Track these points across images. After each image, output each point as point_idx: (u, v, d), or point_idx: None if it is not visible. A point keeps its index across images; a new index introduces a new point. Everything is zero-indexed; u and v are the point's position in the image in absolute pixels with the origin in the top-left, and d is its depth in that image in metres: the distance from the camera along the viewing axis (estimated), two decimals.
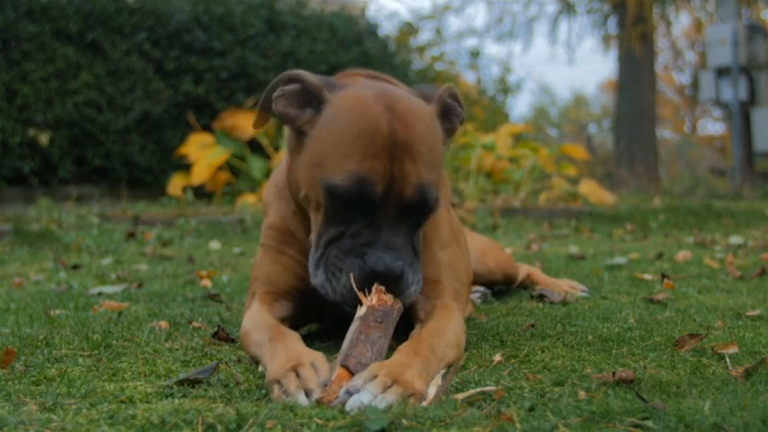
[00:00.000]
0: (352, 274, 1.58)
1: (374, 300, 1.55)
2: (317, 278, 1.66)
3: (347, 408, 1.28)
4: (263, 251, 1.98)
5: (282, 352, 1.52)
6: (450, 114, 1.82)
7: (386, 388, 1.32)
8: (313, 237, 1.70)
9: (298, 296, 1.90)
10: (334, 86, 1.71)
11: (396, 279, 1.58)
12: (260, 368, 1.63)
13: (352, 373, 1.39)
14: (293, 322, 1.88)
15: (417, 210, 1.65)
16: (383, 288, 1.57)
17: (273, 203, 1.99)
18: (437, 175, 1.68)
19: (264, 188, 2.11)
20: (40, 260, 4.38)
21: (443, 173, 1.84)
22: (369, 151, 1.59)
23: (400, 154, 1.61)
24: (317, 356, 1.49)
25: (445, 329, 1.65)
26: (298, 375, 1.41)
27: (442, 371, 1.51)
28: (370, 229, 1.61)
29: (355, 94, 1.69)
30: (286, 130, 1.88)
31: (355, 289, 1.57)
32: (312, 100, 1.70)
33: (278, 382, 1.41)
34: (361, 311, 1.53)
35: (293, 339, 1.62)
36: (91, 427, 1.24)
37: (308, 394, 1.36)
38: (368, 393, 1.30)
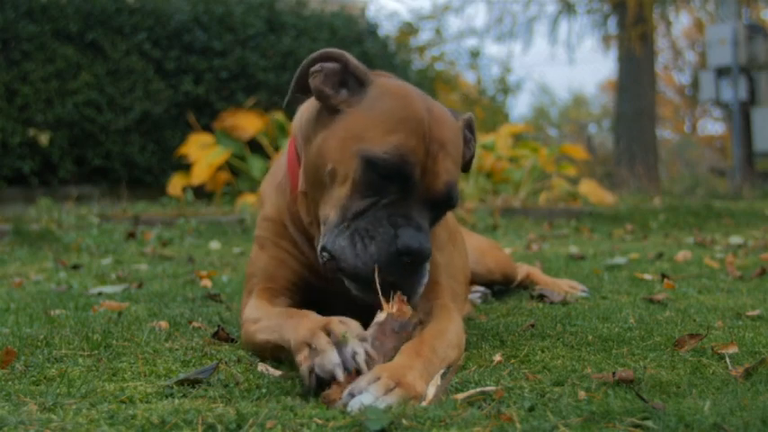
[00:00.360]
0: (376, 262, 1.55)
1: (394, 308, 1.52)
2: (335, 244, 1.60)
3: (348, 409, 1.29)
4: (259, 245, 1.98)
5: (307, 322, 1.51)
6: (466, 142, 1.86)
7: (388, 390, 1.32)
8: (333, 212, 1.64)
9: (295, 291, 1.90)
10: (376, 74, 1.75)
11: (423, 260, 1.58)
12: (260, 367, 1.63)
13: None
14: None
15: (442, 204, 1.67)
16: (405, 298, 1.54)
17: (270, 196, 1.99)
18: (458, 179, 1.72)
19: (263, 182, 2.10)
20: (40, 260, 4.38)
21: None
22: (412, 134, 1.62)
23: (436, 149, 1.64)
24: (348, 319, 1.48)
25: (446, 330, 1.65)
26: (329, 333, 1.41)
27: (442, 371, 1.51)
28: (402, 206, 1.61)
29: (400, 84, 1.74)
30: (305, 109, 1.86)
31: (377, 282, 1.52)
32: (350, 81, 1.71)
33: (306, 343, 1.41)
34: (380, 317, 1.51)
35: (314, 314, 1.61)
36: (91, 427, 1.24)
37: (341, 346, 1.36)
38: (369, 395, 1.31)
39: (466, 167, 1.89)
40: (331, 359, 1.35)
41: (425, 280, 1.64)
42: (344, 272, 1.59)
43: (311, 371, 1.37)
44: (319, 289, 1.88)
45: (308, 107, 1.85)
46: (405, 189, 1.61)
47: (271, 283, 1.90)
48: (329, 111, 1.71)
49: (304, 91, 1.77)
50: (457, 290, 1.94)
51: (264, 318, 1.72)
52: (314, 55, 1.75)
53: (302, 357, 1.40)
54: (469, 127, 1.88)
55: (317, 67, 1.74)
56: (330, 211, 1.65)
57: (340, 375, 1.33)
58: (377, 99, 1.67)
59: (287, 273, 1.89)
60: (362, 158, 1.60)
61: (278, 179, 1.96)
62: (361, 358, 1.36)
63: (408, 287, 1.59)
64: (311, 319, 1.53)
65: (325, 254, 1.63)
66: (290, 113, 9.01)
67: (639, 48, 13.89)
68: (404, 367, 1.40)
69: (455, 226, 2.22)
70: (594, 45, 47.20)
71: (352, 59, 1.72)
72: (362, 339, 1.41)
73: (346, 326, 1.44)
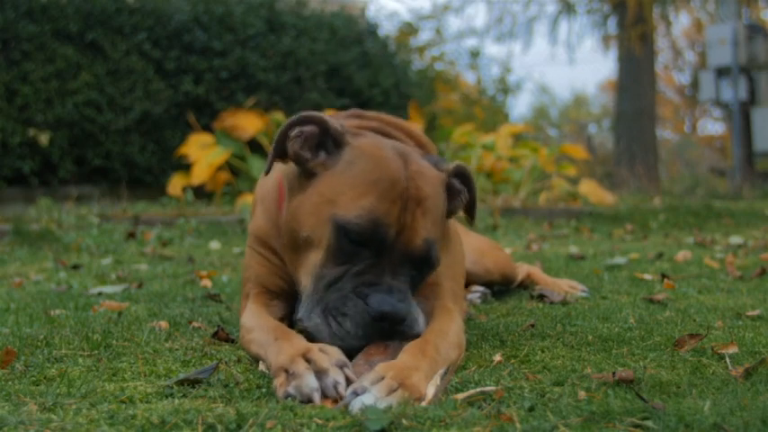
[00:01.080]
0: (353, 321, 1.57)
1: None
2: (311, 321, 1.62)
3: (350, 408, 1.29)
4: (250, 253, 2.01)
5: (289, 347, 1.52)
6: (455, 194, 1.84)
7: (391, 391, 1.33)
8: (307, 280, 1.66)
9: (287, 296, 1.92)
10: (354, 134, 1.74)
11: (400, 320, 1.57)
12: (260, 367, 1.63)
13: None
14: (288, 323, 1.88)
15: (421, 262, 1.65)
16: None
17: (258, 207, 2.00)
18: (440, 236, 1.71)
19: (255, 193, 2.10)
20: (40, 260, 4.38)
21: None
22: (385, 195, 1.61)
23: (413, 206, 1.63)
24: (329, 346, 1.50)
25: (448, 331, 1.66)
26: (308, 361, 1.42)
27: (441, 371, 1.51)
28: (374, 271, 1.60)
29: (376, 143, 1.71)
30: (282, 168, 1.85)
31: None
32: (328, 143, 1.71)
33: (284, 369, 1.42)
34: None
35: (299, 338, 1.62)
36: (91, 427, 1.24)
37: (322, 375, 1.37)
38: (371, 395, 1.31)
39: (470, 215, 1.91)
40: (309, 383, 1.36)
41: (416, 317, 1.63)
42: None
43: (287, 396, 1.37)
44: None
45: None
46: (379, 252, 1.61)
47: (264, 288, 1.93)
48: (306, 174, 1.72)
49: (283, 155, 1.75)
50: (457, 291, 1.95)
51: (257, 329, 1.73)
52: (293, 119, 1.74)
53: (278, 383, 1.41)
54: (461, 176, 1.84)
55: (296, 131, 1.72)
56: (305, 279, 1.68)
57: (317, 400, 1.34)
58: (351, 162, 1.66)
59: (276, 280, 1.92)
60: (334, 224, 1.60)
61: (266, 204, 1.96)
62: (342, 387, 1.36)
63: (398, 336, 1.59)
64: (293, 344, 1.53)
65: (301, 325, 1.65)
66: (290, 113, 9.02)
67: (639, 48, 13.89)
68: (409, 368, 1.41)
69: (454, 225, 2.22)
70: (594, 45, 47.21)
71: (332, 121, 1.71)
72: (343, 365, 1.42)
73: (326, 354, 1.45)
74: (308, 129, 1.72)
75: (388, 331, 1.58)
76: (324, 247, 1.62)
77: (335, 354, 1.46)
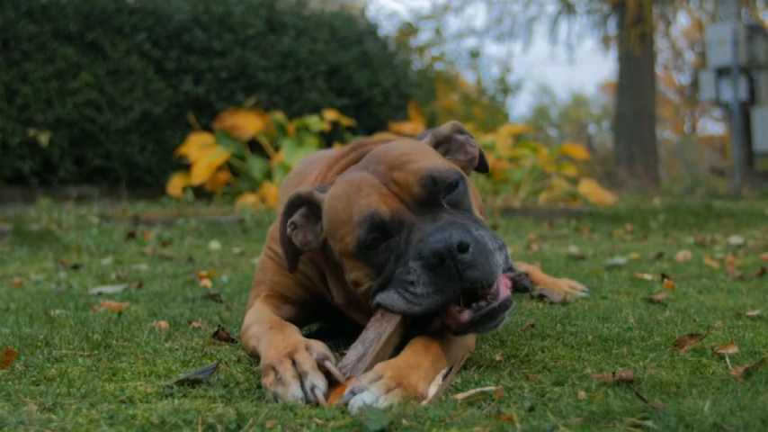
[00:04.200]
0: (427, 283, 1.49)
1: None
2: (388, 297, 1.56)
3: (349, 408, 1.29)
4: (269, 260, 2.00)
5: (281, 341, 1.53)
6: (461, 145, 1.82)
7: (389, 390, 1.33)
8: (363, 290, 1.64)
9: (302, 303, 1.93)
10: (325, 188, 1.76)
11: (463, 249, 1.46)
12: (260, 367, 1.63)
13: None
14: (295, 324, 1.88)
15: (439, 191, 1.60)
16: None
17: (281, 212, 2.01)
18: (439, 161, 1.66)
19: (278, 191, 2.12)
20: (40, 260, 4.38)
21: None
22: (362, 196, 1.60)
23: (390, 173, 1.61)
24: (314, 341, 1.50)
25: None
26: (294, 362, 1.42)
27: (443, 371, 1.51)
28: (409, 237, 1.56)
29: (340, 179, 1.72)
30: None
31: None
32: (316, 210, 1.75)
33: (273, 368, 1.43)
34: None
35: (292, 331, 1.63)
36: (91, 427, 1.24)
37: (302, 378, 1.37)
38: (370, 394, 1.31)
39: (482, 167, 1.87)
40: (293, 393, 1.36)
41: (496, 254, 1.53)
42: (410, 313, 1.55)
43: (274, 398, 1.38)
44: (326, 302, 1.90)
45: None
46: (394, 229, 1.57)
47: (277, 293, 1.94)
48: (322, 250, 1.77)
49: (297, 252, 1.80)
50: None
51: (255, 324, 1.74)
52: (281, 217, 1.79)
53: (268, 382, 1.41)
54: (459, 130, 1.84)
55: (289, 226, 1.77)
56: (361, 289, 1.65)
57: (301, 405, 1.34)
58: (328, 210, 1.69)
59: (296, 288, 1.93)
60: (352, 250, 1.60)
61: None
62: (319, 392, 1.35)
63: (484, 262, 1.48)
64: (285, 340, 1.53)
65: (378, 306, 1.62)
66: (291, 113, 9.02)
67: (639, 48, 13.89)
68: (409, 366, 1.41)
69: None
70: (594, 45, 47.22)
71: (305, 190, 1.76)
72: (325, 359, 1.41)
73: (312, 350, 1.45)
74: (298, 217, 1.77)
75: (459, 272, 1.46)
76: (365, 268, 1.62)
77: (318, 348, 1.46)
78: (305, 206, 1.77)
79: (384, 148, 1.72)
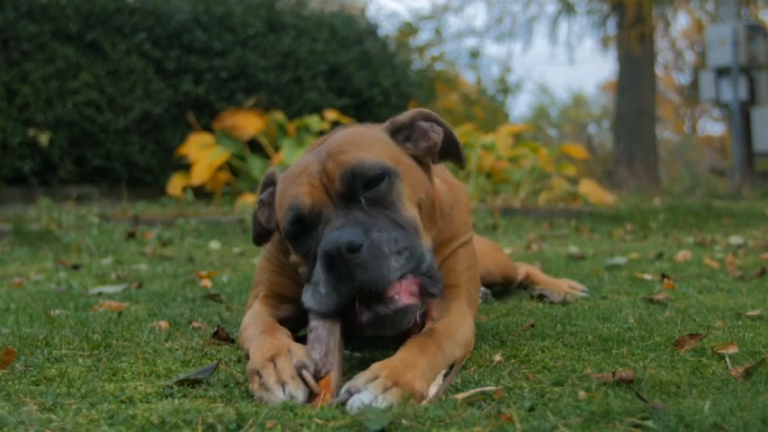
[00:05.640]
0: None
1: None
2: (305, 295, 1.61)
3: (348, 408, 1.29)
4: (265, 260, 2.01)
5: (268, 344, 1.54)
6: (422, 133, 1.79)
7: (386, 389, 1.33)
8: (302, 272, 1.71)
9: (301, 301, 1.92)
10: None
11: (353, 248, 1.45)
12: None
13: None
14: (295, 324, 1.89)
15: (357, 186, 1.58)
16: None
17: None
18: (373, 153, 1.64)
19: None
20: (40, 260, 4.38)
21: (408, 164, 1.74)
22: (296, 185, 1.64)
23: (326, 162, 1.62)
24: (296, 346, 1.51)
25: (456, 329, 1.66)
26: (275, 366, 1.43)
27: (444, 371, 1.51)
28: (323, 233, 1.57)
29: (294, 163, 1.78)
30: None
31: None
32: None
33: (257, 372, 1.44)
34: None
35: (282, 334, 1.63)
36: (91, 427, 1.24)
37: (283, 387, 1.38)
38: (369, 394, 1.31)
39: (454, 158, 1.83)
40: (278, 397, 1.37)
41: (392, 258, 1.49)
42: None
43: (260, 401, 1.39)
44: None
45: None
46: (313, 221, 1.60)
47: (275, 293, 1.94)
48: None
49: (264, 230, 1.90)
50: (473, 293, 1.95)
51: (251, 325, 1.75)
52: (258, 195, 1.90)
53: (254, 387, 1.42)
54: (426, 117, 1.80)
55: (258, 203, 1.87)
56: (304, 274, 1.71)
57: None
58: (276, 194, 1.77)
59: (292, 286, 1.92)
60: (286, 236, 1.67)
61: None
62: (298, 400, 1.36)
63: (373, 278, 1.46)
64: (273, 343, 1.54)
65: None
66: (291, 113, 9.01)
67: (638, 48, 13.89)
68: (405, 365, 1.41)
69: (469, 228, 2.22)
70: (594, 45, 47.22)
71: (272, 172, 1.86)
72: (303, 367, 1.42)
73: (293, 355, 1.46)
74: (265, 194, 1.87)
75: (350, 273, 1.45)
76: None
77: (299, 354, 1.46)
78: (273, 186, 1.84)
79: (337, 135, 1.75)
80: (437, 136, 1.79)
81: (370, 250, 1.46)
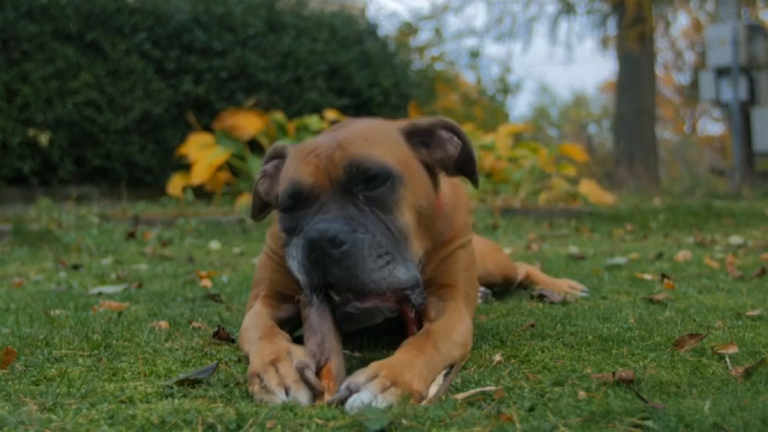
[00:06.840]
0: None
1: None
2: (288, 253, 1.64)
3: (347, 407, 1.29)
4: (266, 257, 2.01)
5: (268, 349, 1.54)
6: (441, 142, 1.77)
7: (385, 389, 1.33)
8: (280, 240, 1.74)
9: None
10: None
11: (336, 243, 1.47)
12: None
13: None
14: (296, 323, 1.89)
15: (356, 181, 1.59)
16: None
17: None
18: (382, 152, 1.64)
19: None
20: (40, 260, 4.38)
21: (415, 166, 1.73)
22: (303, 163, 1.65)
23: (335, 149, 1.63)
24: (296, 348, 1.51)
25: (453, 329, 1.66)
26: (277, 370, 1.43)
27: (444, 371, 1.51)
28: (317, 214, 1.58)
29: (310, 139, 1.77)
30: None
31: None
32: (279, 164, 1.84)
33: (258, 375, 1.43)
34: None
35: (281, 338, 1.63)
36: (91, 427, 1.24)
37: (286, 390, 1.38)
38: (368, 393, 1.31)
39: (469, 175, 1.82)
40: (280, 400, 1.36)
41: (369, 261, 1.49)
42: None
43: (262, 402, 1.38)
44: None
45: None
46: (309, 201, 1.61)
47: (275, 292, 1.94)
48: None
49: (262, 203, 1.91)
50: (471, 293, 1.95)
51: (251, 328, 1.75)
52: (261, 168, 1.90)
53: (254, 390, 1.42)
54: (447, 127, 1.78)
55: (261, 173, 1.87)
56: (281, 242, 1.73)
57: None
58: (285, 165, 1.76)
59: (292, 284, 1.91)
60: (279, 204, 1.68)
61: None
62: (303, 404, 1.35)
63: (345, 277, 1.48)
64: (272, 347, 1.54)
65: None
66: (291, 113, 9.01)
67: (638, 47, 13.89)
68: (403, 365, 1.41)
69: (468, 229, 2.22)
70: (594, 45, 47.23)
71: (281, 145, 1.84)
72: (305, 368, 1.41)
73: (293, 357, 1.46)
74: (269, 166, 1.87)
75: (325, 265, 1.48)
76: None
77: (299, 355, 1.47)
78: (279, 159, 1.84)
79: (354, 125, 1.76)
80: (454, 149, 1.78)
81: (351, 249, 1.48)
